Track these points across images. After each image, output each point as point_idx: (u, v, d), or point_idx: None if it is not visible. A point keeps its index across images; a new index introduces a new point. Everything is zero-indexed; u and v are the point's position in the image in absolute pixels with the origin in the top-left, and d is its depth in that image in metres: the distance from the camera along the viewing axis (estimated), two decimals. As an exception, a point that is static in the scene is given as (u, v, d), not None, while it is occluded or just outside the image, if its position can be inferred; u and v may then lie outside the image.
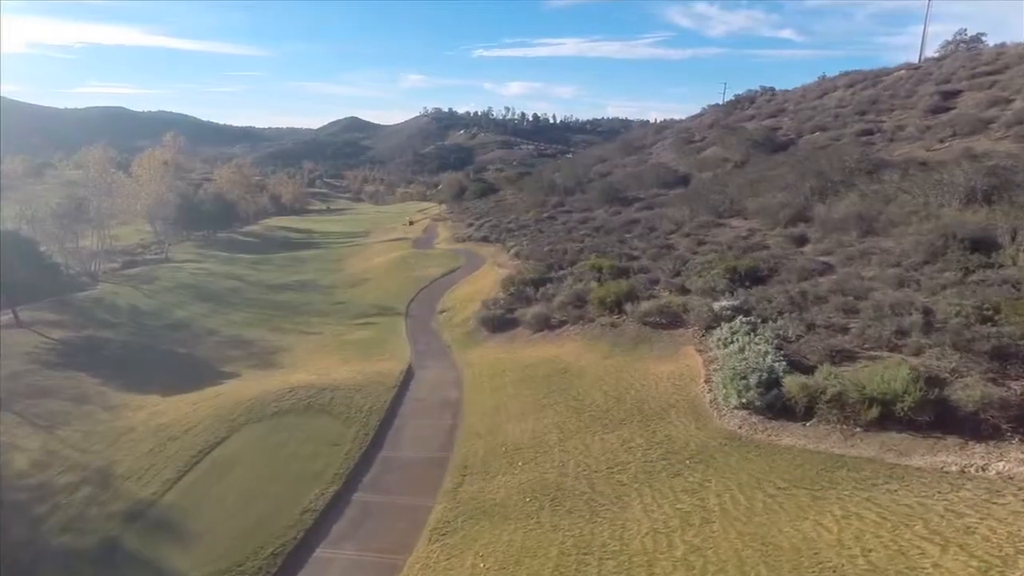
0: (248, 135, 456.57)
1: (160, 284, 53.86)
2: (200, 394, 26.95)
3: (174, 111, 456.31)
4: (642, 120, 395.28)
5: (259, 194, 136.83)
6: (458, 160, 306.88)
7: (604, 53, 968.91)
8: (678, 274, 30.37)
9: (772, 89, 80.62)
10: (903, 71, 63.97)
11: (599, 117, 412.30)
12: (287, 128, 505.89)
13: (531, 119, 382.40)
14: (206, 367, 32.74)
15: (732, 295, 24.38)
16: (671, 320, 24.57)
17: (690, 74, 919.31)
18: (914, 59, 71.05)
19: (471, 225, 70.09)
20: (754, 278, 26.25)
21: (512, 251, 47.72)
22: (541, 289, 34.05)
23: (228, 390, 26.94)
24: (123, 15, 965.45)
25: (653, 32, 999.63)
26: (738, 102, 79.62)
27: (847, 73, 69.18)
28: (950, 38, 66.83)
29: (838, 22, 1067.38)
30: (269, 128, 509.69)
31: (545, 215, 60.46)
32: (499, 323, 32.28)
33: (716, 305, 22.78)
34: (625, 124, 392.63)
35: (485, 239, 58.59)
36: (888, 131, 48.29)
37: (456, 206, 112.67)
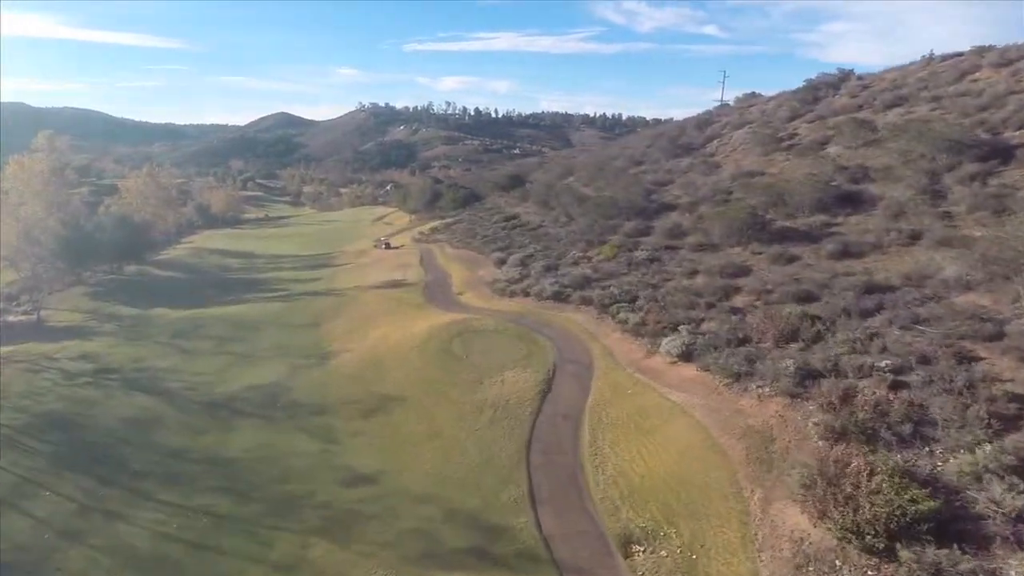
0: (168, 132, 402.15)
1: (-8, 419, 27.27)
2: None
3: (82, 107, 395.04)
4: (582, 114, 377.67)
5: (182, 205, 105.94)
6: (400, 157, 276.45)
7: (538, 48, 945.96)
8: None
9: (851, 71, 61.39)
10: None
11: (537, 111, 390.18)
12: (211, 124, 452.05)
13: (473, 113, 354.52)
14: None
15: None
16: None
17: (624, 68, 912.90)
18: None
19: (504, 262, 46.25)
20: None
21: (665, 348, 24.82)
22: (932, 553, 11.66)
23: None
24: (23, 2, 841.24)
25: (584, 27, 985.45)
26: (816, 88, 59.72)
27: (982, 48, 50.42)
28: None
29: (756, 19, 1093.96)
30: (191, 125, 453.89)
31: (641, 255, 37.87)
32: None
33: None
34: (565, 118, 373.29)
35: (559, 298, 35.30)
36: None
37: (431, 216, 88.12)
